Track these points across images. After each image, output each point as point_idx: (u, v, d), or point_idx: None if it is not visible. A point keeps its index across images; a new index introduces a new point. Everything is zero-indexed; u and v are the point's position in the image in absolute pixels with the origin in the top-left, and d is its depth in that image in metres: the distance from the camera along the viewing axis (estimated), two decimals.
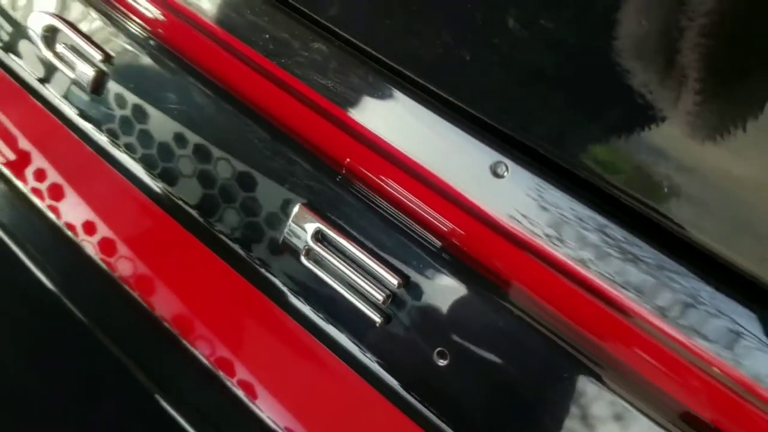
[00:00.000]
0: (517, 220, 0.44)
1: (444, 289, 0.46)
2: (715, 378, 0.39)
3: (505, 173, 0.44)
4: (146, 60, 0.59)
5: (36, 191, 0.67)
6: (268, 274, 0.53)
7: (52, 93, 0.66)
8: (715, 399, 0.40)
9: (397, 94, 0.48)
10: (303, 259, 0.51)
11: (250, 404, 0.50)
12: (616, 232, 0.41)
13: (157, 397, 0.55)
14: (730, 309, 0.38)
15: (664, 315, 0.40)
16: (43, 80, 0.67)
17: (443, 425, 0.46)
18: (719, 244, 0.39)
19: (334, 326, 0.51)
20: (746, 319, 0.38)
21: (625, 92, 0.41)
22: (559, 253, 0.43)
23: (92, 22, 0.63)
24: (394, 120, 0.49)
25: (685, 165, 0.40)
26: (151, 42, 0.61)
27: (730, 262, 0.39)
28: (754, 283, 0.38)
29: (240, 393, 0.50)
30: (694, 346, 0.40)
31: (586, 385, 0.41)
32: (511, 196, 0.44)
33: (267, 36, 0.52)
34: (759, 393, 0.38)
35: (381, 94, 0.49)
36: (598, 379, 0.41)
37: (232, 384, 0.50)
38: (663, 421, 0.40)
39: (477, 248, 0.46)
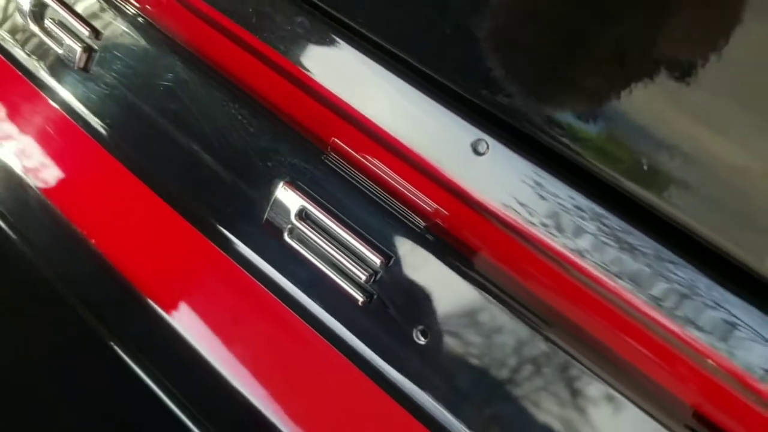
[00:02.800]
0: (498, 199, 0.43)
1: (427, 269, 0.46)
2: (710, 370, 0.38)
3: (486, 151, 0.44)
4: (133, 36, 0.59)
5: None
6: (250, 252, 0.53)
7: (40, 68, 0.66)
8: (709, 391, 0.39)
9: (378, 68, 0.47)
10: (286, 238, 0.50)
11: (232, 380, 0.50)
12: (604, 213, 0.40)
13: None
14: (727, 301, 0.37)
15: (655, 303, 0.39)
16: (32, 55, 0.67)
17: (423, 402, 0.46)
18: (714, 233, 0.38)
19: (316, 304, 0.50)
20: (743, 311, 0.37)
21: (608, 67, 0.40)
22: (541, 233, 0.42)
23: None
24: (375, 95, 0.48)
25: (673, 145, 0.39)
26: (139, 19, 0.60)
27: (728, 252, 0.37)
28: (751, 275, 0.37)
29: (220, 368, 0.50)
30: (689, 337, 0.39)
31: (567, 367, 0.41)
32: (491, 174, 0.43)
33: (250, 10, 0.52)
34: (752, 385, 0.37)
35: (362, 70, 0.48)
36: (579, 360, 0.41)
37: (210, 358, 0.50)
38: (652, 409, 0.39)
39: (459, 227, 0.46)
